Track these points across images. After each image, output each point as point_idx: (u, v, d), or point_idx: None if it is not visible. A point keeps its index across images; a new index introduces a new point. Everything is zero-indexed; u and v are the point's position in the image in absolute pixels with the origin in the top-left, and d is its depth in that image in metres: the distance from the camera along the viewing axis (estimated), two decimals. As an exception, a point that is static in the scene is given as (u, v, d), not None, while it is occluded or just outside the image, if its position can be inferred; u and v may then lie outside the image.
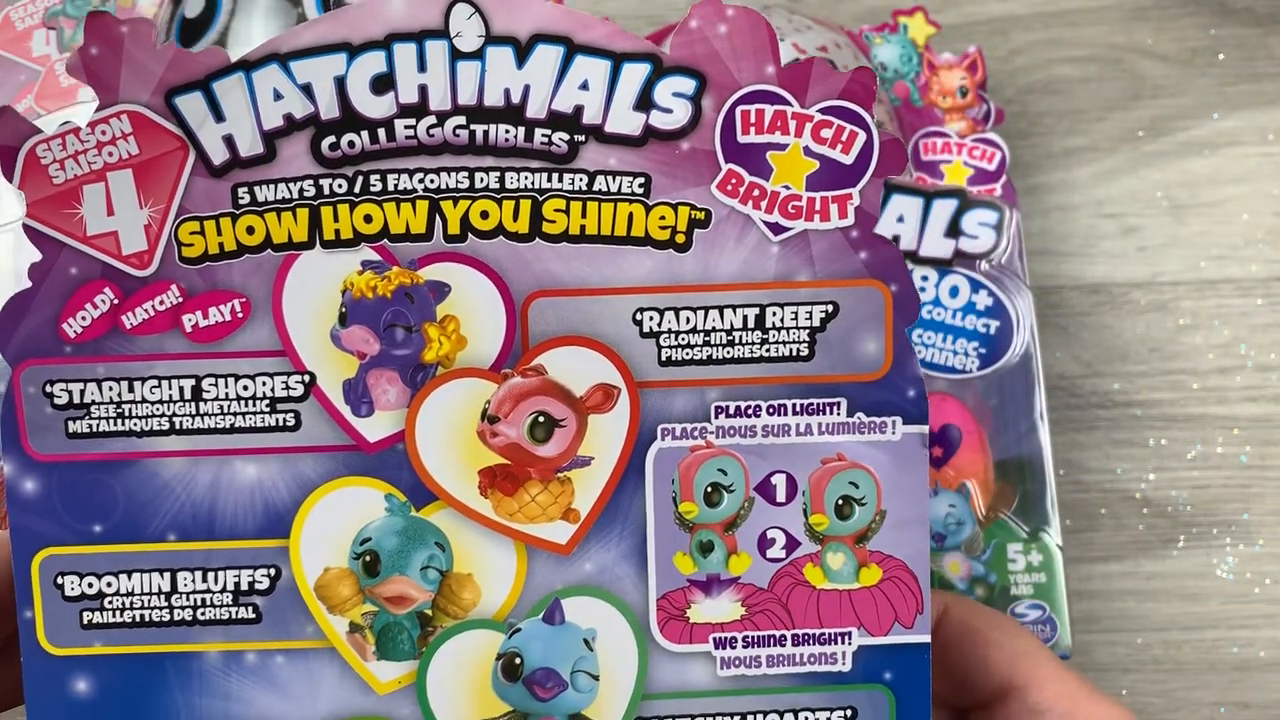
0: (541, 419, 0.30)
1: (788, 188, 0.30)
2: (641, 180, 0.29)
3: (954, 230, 0.48)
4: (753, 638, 0.31)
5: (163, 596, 0.31)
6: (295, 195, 0.29)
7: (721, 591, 0.31)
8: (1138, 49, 0.50)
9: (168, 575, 0.30)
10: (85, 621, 0.30)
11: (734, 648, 0.31)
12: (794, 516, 0.31)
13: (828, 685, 0.31)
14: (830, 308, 0.30)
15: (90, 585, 0.30)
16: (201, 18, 0.42)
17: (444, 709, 0.31)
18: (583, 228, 0.30)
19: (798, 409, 0.30)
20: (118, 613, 0.31)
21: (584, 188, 0.29)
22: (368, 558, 0.30)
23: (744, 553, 0.31)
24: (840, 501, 0.31)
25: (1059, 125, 0.50)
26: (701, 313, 0.30)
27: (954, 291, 0.49)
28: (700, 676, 0.31)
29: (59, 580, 0.30)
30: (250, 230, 0.29)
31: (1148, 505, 0.51)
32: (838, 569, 0.31)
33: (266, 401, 0.30)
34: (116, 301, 0.30)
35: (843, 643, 0.31)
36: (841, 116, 0.29)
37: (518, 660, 0.31)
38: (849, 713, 0.31)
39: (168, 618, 0.31)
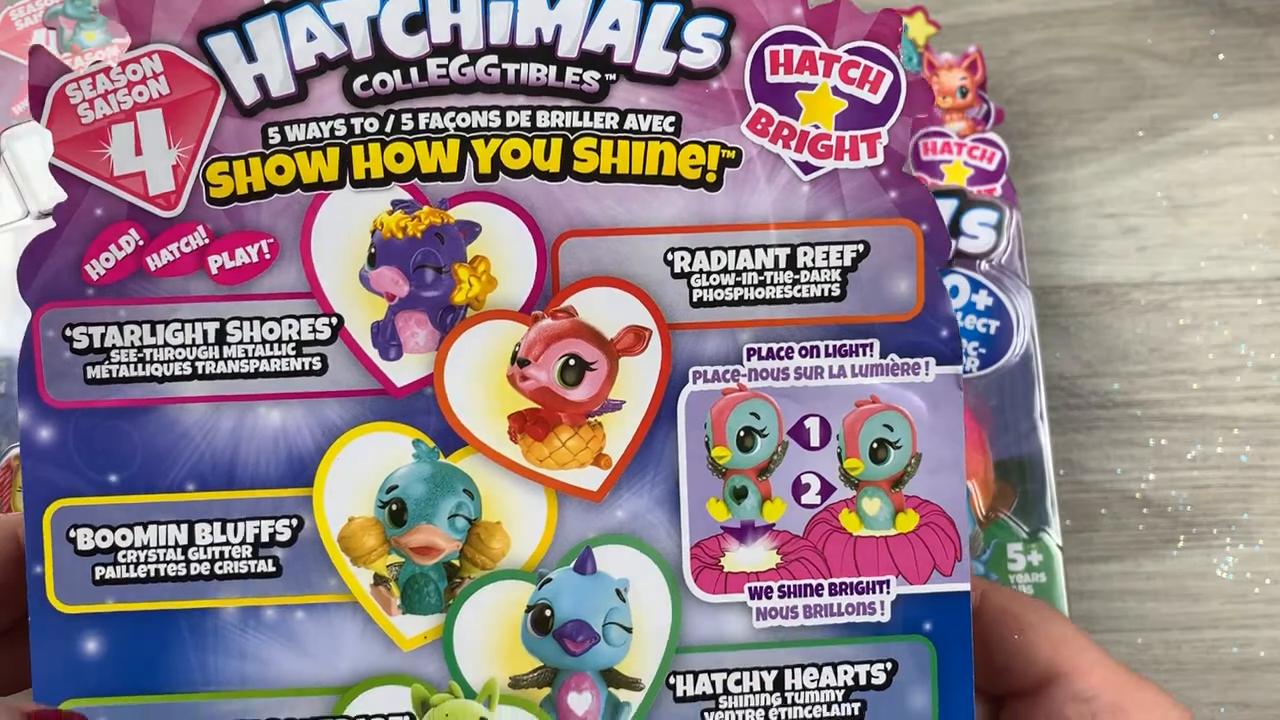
0: (572, 362, 0.30)
1: (817, 127, 0.30)
2: (672, 119, 0.30)
3: (954, 230, 0.49)
4: (789, 587, 0.30)
5: (179, 550, 0.29)
6: (326, 135, 0.29)
7: (756, 539, 0.30)
8: (1138, 49, 0.51)
9: (185, 527, 0.29)
10: (97, 577, 0.29)
11: (770, 598, 0.30)
12: (829, 461, 0.30)
13: (866, 637, 0.30)
14: (861, 247, 0.30)
15: (104, 539, 0.29)
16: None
17: (471, 665, 0.30)
18: (614, 166, 0.30)
19: (830, 350, 0.30)
20: (132, 567, 0.29)
21: (615, 126, 0.30)
22: (394, 506, 0.30)
23: (778, 499, 0.30)
24: (875, 445, 0.30)
25: (1059, 125, 0.51)
26: (733, 253, 0.30)
27: (954, 291, 0.49)
28: (736, 628, 0.30)
29: (71, 534, 0.29)
30: (280, 170, 0.29)
31: (1148, 505, 0.51)
32: (874, 515, 0.30)
33: (293, 345, 0.30)
34: (142, 243, 0.29)
35: (881, 591, 0.30)
36: (868, 57, 0.30)
37: (548, 612, 0.30)
38: (889, 665, 0.30)
39: (184, 572, 0.29)
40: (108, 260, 0.29)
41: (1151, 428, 0.50)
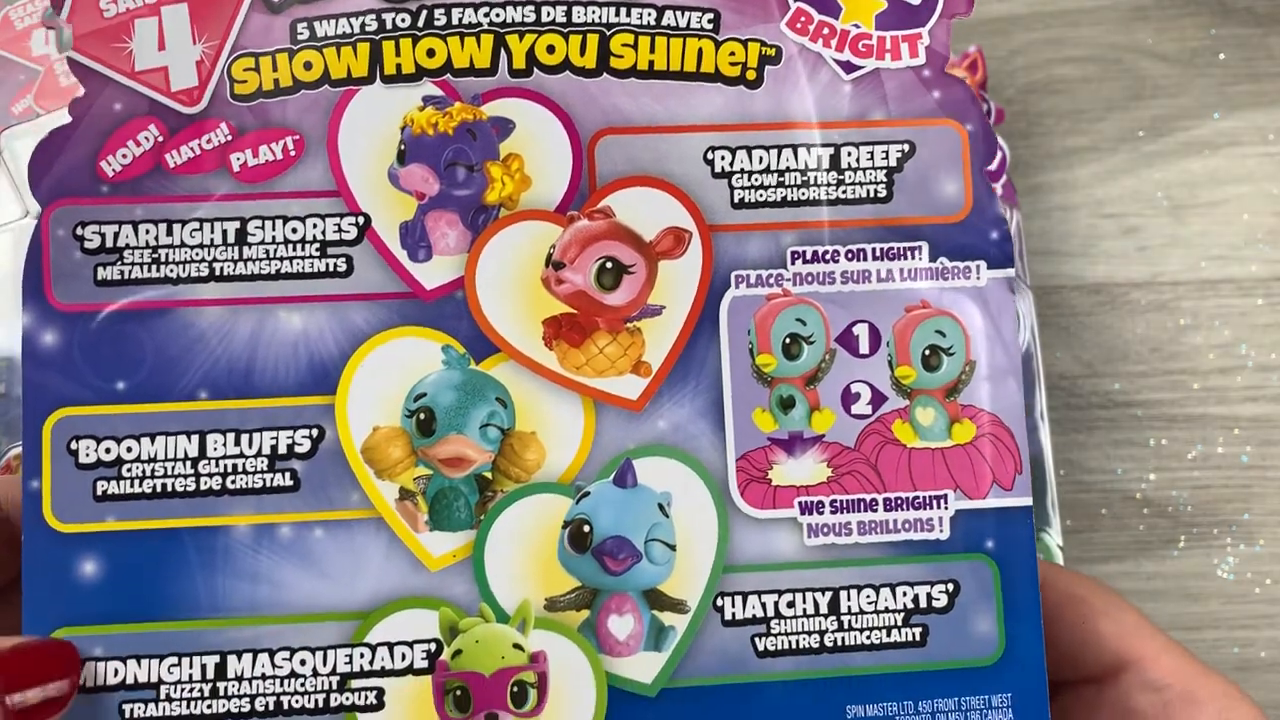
0: (609, 265, 0.28)
1: (857, 26, 0.29)
2: (710, 16, 0.29)
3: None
4: (841, 502, 0.28)
5: (189, 463, 0.27)
6: (356, 30, 0.28)
7: (805, 451, 0.29)
8: (1138, 49, 0.51)
9: (196, 438, 0.27)
10: (99, 493, 0.27)
11: (821, 513, 0.28)
12: (879, 369, 0.29)
13: (925, 555, 0.28)
14: (907, 147, 0.29)
15: (108, 451, 0.27)
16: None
17: (504, 585, 0.27)
18: (651, 63, 0.29)
19: (878, 254, 0.29)
20: (136, 482, 0.27)
21: (652, 22, 0.29)
22: (422, 415, 0.28)
23: (827, 409, 0.29)
24: (927, 352, 0.29)
25: (1059, 125, 0.51)
26: (775, 152, 0.29)
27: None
28: (786, 546, 0.28)
29: (73, 446, 0.27)
30: (308, 66, 0.28)
31: (1148, 505, 0.50)
32: (928, 425, 0.29)
33: (317, 245, 0.28)
34: (161, 139, 0.28)
35: (939, 507, 0.29)
36: (907, -42, 0.29)
37: (586, 528, 0.28)
38: (950, 586, 0.28)
39: (193, 487, 0.27)
40: (124, 157, 0.28)
41: (1152, 428, 0.49)
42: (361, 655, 0.27)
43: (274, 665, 0.27)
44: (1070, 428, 0.50)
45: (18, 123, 0.48)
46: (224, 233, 0.28)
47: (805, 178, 0.29)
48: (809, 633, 0.28)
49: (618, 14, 0.29)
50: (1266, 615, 0.49)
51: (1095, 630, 0.30)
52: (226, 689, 0.27)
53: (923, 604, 0.28)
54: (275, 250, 0.28)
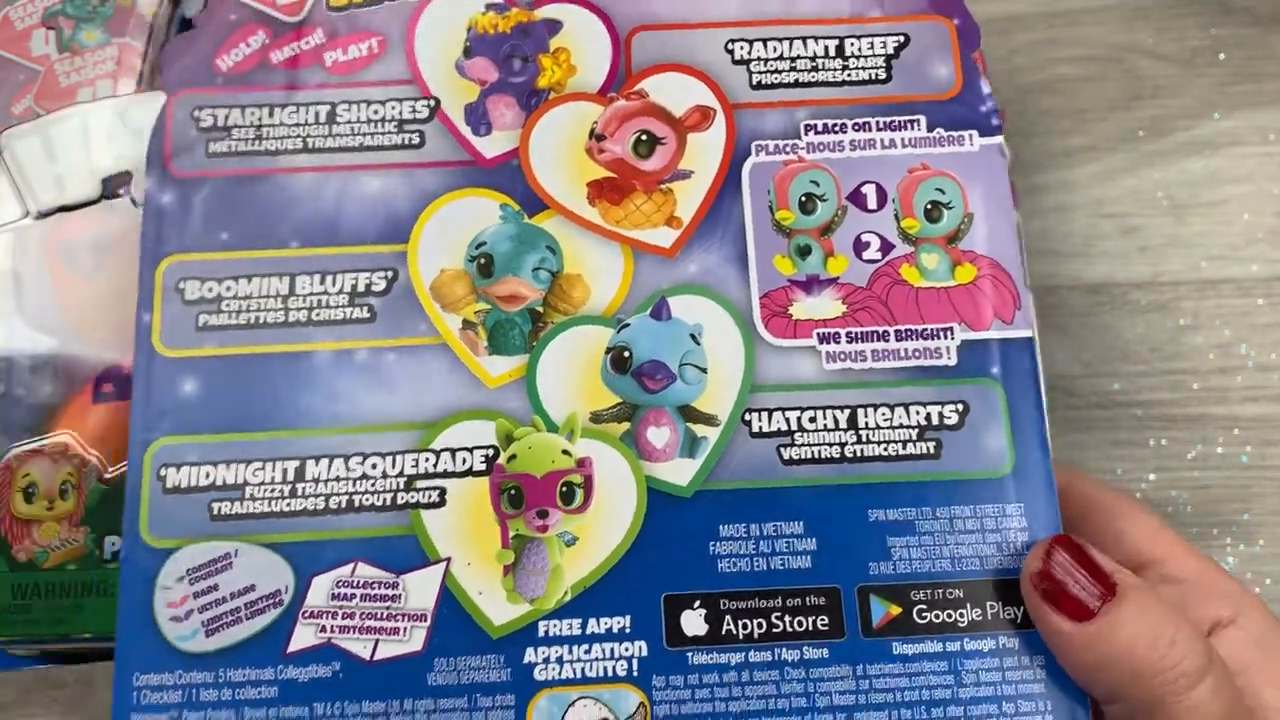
0: (644, 137, 0.33)
1: (854, -58, 0.34)
2: (728, -64, 0.34)
3: (959, 228, 0.51)
4: (856, 333, 0.31)
5: (280, 299, 0.31)
6: (431, -47, 0.34)
7: (822, 290, 0.32)
8: (1138, 49, 0.52)
9: (287, 279, 0.32)
10: (201, 324, 0.31)
11: (838, 342, 0.31)
12: (886, 221, 0.32)
13: (935, 379, 0.31)
14: (902, 38, 0.34)
15: (210, 290, 0.31)
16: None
17: (554, 400, 0.31)
18: (679, -26, 0.34)
19: (881, 125, 0.33)
20: (233, 315, 0.31)
21: (679, -58, 0.34)
22: (482, 260, 0.32)
23: (841, 255, 0.32)
24: (929, 206, 0.33)
25: (1059, 125, 0.52)
26: (787, 43, 0.34)
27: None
28: (807, 369, 0.31)
29: (180, 285, 0.31)
30: (390, -18, 0.34)
31: (1148, 505, 0.49)
32: (933, 268, 0.32)
33: (394, 123, 0.33)
34: (267, 41, 0.33)
35: (945, 338, 0.31)
36: (894, -111, 0.35)
37: (626, 353, 0.31)
38: (960, 406, 0.31)
39: (283, 319, 0.31)
40: (237, 55, 0.33)
41: (1151, 428, 0.49)
42: (426, 460, 0.30)
43: (348, 469, 0.30)
44: (1070, 428, 0.49)
45: (18, 123, 0.44)
46: (316, 114, 0.33)
47: (814, 64, 0.34)
48: (830, 445, 0.30)
49: (649, -65, 0.34)
50: (1268, 616, 0.48)
51: (1118, 530, 0.32)
52: (304, 489, 0.30)
53: (935, 421, 0.31)
54: (359, 128, 0.33)
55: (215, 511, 0.30)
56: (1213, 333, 0.50)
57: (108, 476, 0.35)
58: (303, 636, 0.29)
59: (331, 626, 0.29)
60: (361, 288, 0.31)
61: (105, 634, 0.34)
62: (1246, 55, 0.52)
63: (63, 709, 0.44)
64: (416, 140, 0.33)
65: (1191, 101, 0.52)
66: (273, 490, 0.30)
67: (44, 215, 0.39)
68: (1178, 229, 0.51)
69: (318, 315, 0.31)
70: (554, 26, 0.34)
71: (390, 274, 0.32)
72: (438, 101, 0.33)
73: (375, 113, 0.33)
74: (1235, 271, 0.50)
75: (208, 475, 0.30)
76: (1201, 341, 0.49)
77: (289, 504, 0.30)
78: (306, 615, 0.29)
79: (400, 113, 0.33)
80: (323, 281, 0.32)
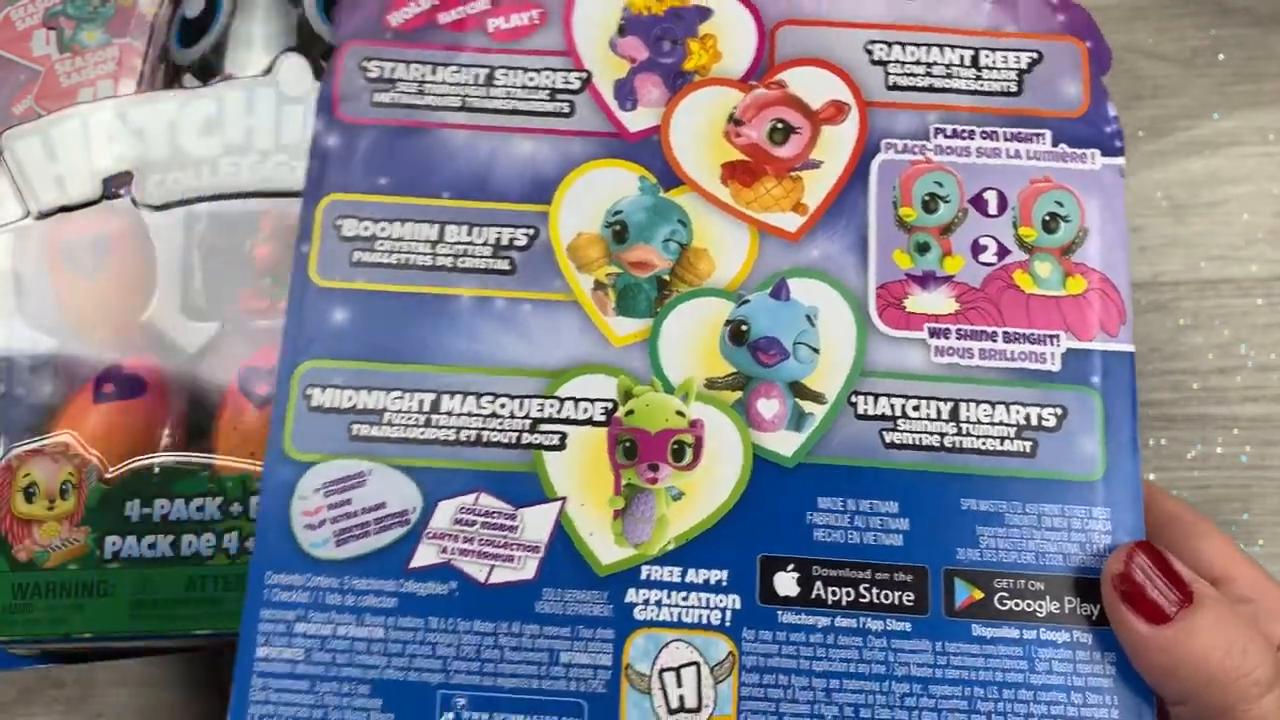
0: (780, 125, 0.35)
1: (999, -41, 0.36)
2: (879, -58, 0.36)
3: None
4: (966, 330, 0.33)
5: (429, 244, 0.34)
6: (596, -66, 0.36)
7: (937, 287, 0.33)
8: (1137, 49, 0.52)
9: (437, 227, 0.34)
10: (354, 260, 0.34)
11: (948, 338, 0.33)
12: (1004, 227, 0.34)
13: (1037, 382, 0.33)
14: (1035, 55, 0.35)
15: (366, 229, 0.34)
16: (201, 18, 0.42)
17: (672, 364, 0.33)
18: (828, -26, 0.36)
19: (1007, 136, 0.35)
20: (386, 254, 0.34)
21: (831, -56, 0.36)
22: (618, 227, 0.34)
23: (958, 255, 0.34)
24: (1047, 217, 0.34)
25: None
26: (924, 48, 0.35)
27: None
28: (915, 360, 0.33)
29: (338, 222, 0.34)
30: (555, -42, 0.36)
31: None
32: (1046, 277, 0.34)
33: (548, 92, 0.35)
34: (436, 3, 0.36)
35: (1051, 344, 0.33)
36: (1043, -89, 0.36)
37: (744, 327, 0.33)
38: (1059, 410, 0.32)
39: (430, 263, 0.34)
40: (406, 13, 0.36)
41: (1151, 428, 0.49)
42: (551, 405, 0.32)
43: (479, 406, 0.32)
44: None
45: (18, 123, 0.44)
46: (476, 76, 0.35)
47: (949, 71, 0.35)
48: (931, 433, 0.32)
49: (803, -65, 0.36)
50: (1268, 615, 0.47)
51: (1194, 547, 0.34)
52: (438, 420, 0.32)
53: (1034, 422, 0.32)
54: (515, 93, 0.35)
55: (354, 432, 0.32)
56: (1212, 333, 0.49)
57: (108, 476, 0.36)
58: (425, 555, 0.31)
59: (452, 549, 0.31)
60: (505, 241, 0.34)
61: (105, 634, 0.35)
62: (1246, 55, 0.52)
63: (63, 709, 0.45)
64: (567, 109, 0.35)
65: (1191, 102, 0.51)
66: (409, 418, 0.32)
67: (44, 215, 0.39)
68: (1177, 229, 0.50)
69: (462, 263, 0.34)
70: (705, 13, 0.36)
71: (532, 231, 0.34)
72: (590, 75, 0.35)
73: (530, 80, 0.35)
74: (1235, 271, 0.50)
75: (350, 399, 0.32)
76: (1201, 341, 0.49)
77: (423, 432, 0.32)
78: (430, 536, 0.31)
79: (554, 82, 0.35)
80: (470, 232, 0.34)
